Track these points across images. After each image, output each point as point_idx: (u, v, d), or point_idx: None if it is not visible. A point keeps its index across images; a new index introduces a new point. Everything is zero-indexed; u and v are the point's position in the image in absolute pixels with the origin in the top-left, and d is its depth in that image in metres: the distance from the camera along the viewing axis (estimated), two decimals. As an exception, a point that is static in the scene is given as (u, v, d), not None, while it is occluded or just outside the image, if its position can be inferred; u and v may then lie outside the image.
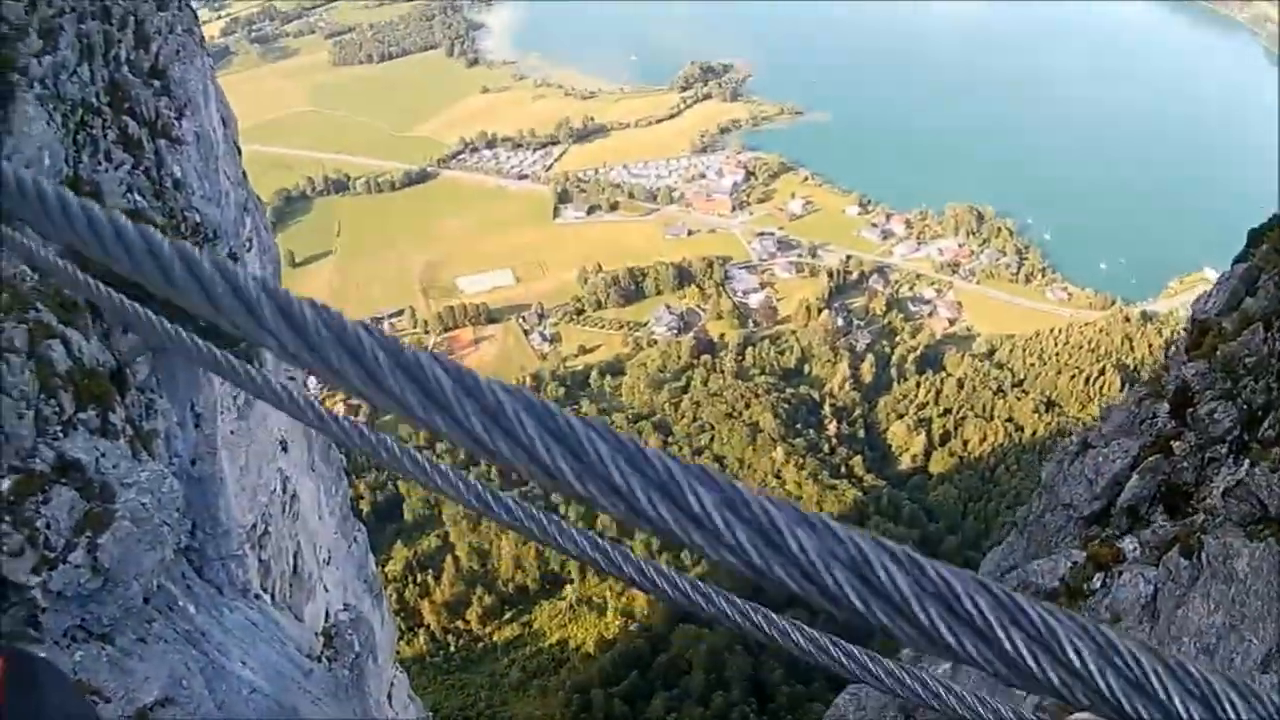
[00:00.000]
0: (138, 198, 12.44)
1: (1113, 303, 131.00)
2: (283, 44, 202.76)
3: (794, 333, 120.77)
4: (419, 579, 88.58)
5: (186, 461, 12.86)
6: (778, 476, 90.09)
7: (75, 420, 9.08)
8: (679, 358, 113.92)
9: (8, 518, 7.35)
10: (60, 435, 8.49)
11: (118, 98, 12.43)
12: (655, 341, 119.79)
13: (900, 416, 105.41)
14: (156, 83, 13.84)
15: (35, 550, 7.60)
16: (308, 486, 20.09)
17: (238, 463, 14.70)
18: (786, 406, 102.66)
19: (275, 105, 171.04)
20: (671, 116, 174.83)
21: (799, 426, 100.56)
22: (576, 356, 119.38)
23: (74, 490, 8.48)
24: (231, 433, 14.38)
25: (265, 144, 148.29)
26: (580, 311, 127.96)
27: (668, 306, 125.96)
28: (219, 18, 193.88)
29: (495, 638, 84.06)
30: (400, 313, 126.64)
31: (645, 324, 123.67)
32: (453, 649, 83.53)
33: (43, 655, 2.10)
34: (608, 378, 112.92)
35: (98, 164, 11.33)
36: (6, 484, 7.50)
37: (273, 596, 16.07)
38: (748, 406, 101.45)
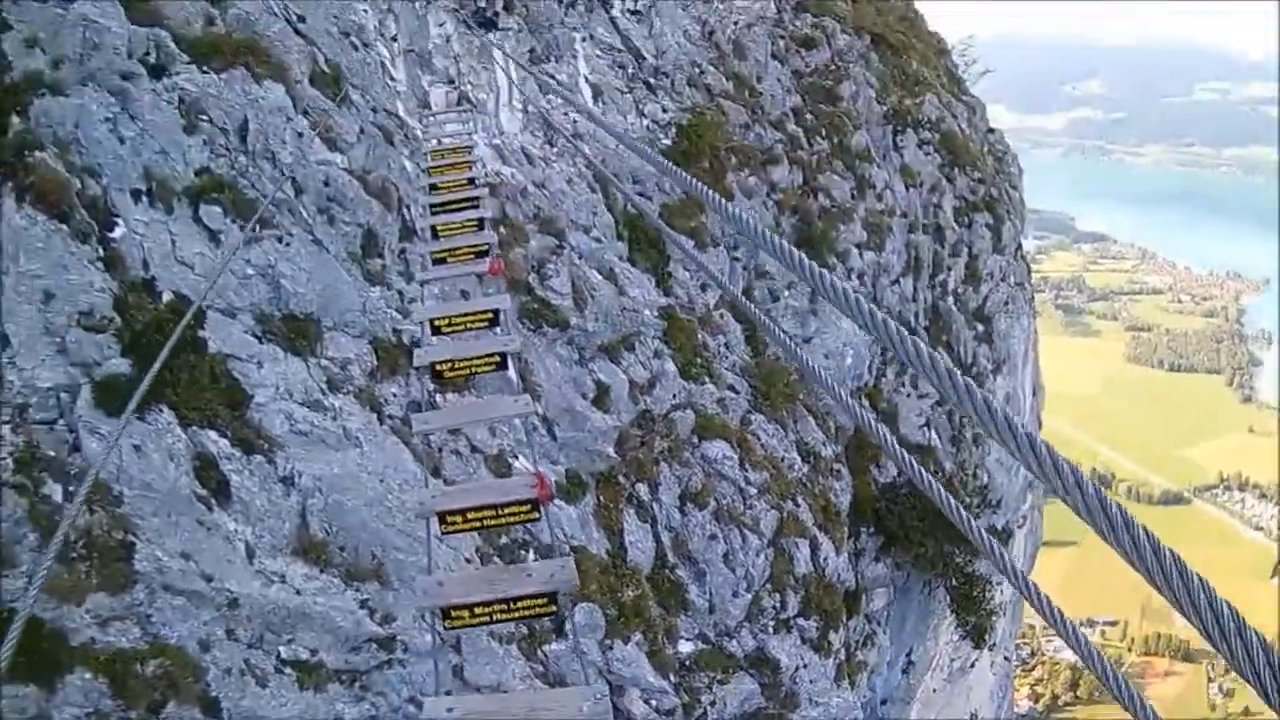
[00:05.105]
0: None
1: None
2: (1086, 320, 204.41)
3: None
4: None
5: (878, 699, 12.35)
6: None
7: (793, 623, 8.76)
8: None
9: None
10: (769, 630, 8.11)
11: (936, 325, 12.29)
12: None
13: None
14: (980, 327, 13.43)
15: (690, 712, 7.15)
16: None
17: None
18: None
19: (1066, 378, 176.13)
20: None
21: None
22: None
23: (756, 685, 8.05)
24: (934, 690, 13.71)
25: (1049, 413, 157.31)
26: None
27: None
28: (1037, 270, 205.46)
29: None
30: (1114, 623, 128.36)
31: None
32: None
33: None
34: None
35: (900, 384, 11.24)
36: (688, 648, 7.25)
37: None
38: None
